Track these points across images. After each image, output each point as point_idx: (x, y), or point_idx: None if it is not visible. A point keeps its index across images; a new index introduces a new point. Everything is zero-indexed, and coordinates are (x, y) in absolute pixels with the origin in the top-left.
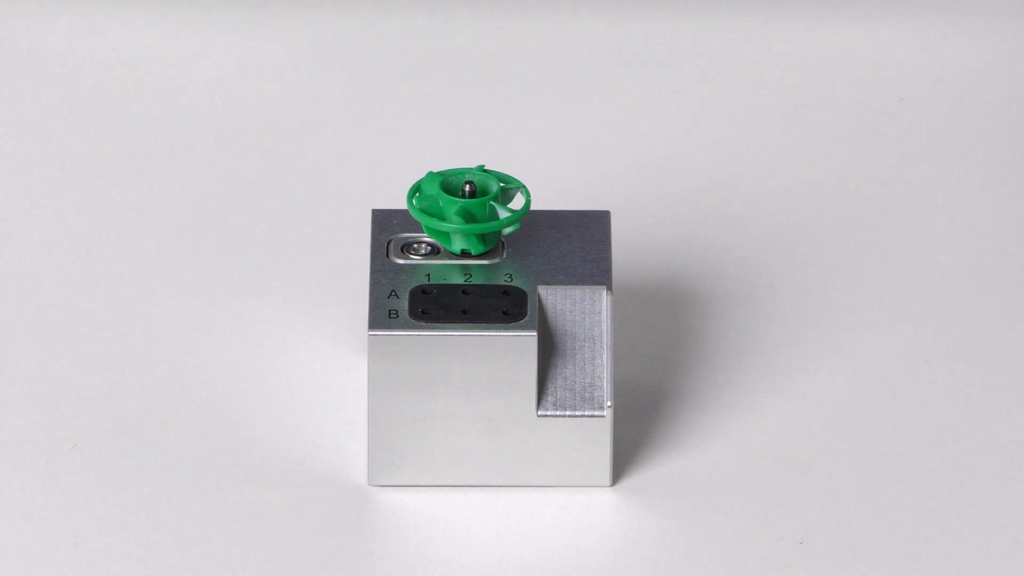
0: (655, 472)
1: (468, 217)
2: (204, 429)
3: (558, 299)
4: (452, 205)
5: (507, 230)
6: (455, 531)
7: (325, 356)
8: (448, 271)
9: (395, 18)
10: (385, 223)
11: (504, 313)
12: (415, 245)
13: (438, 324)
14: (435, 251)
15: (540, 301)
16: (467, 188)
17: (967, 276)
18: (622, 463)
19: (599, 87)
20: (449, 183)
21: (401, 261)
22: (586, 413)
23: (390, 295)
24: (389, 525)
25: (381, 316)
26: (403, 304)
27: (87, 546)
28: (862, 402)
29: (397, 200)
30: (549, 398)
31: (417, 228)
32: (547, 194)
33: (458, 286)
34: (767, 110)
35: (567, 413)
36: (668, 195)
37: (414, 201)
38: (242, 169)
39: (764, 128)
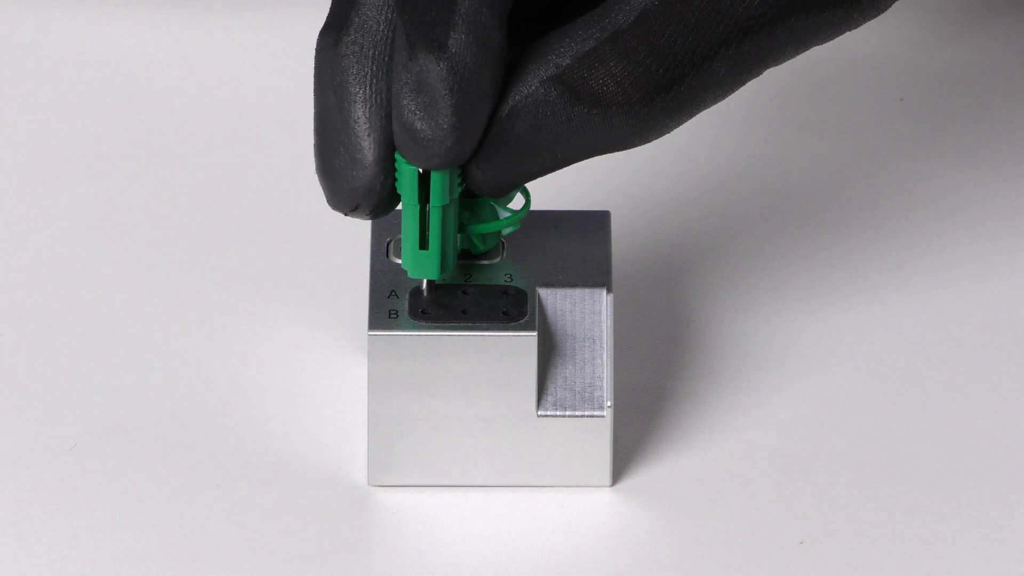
0: (655, 472)
1: (467, 217)
2: (204, 429)
3: (558, 299)
4: None
5: (507, 230)
6: (455, 531)
7: (325, 356)
8: None
9: None
10: (385, 223)
11: (504, 313)
12: None
13: (438, 324)
14: None
15: (540, 301)
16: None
17: (967, 276)
18: (622, 463)
19: None
20: None
21: (401, 261)
22: (586, 413)
23: (390, 295)
24: (389, 525)
25: (381, 316)
26: (403, 304)
27: (87, 546)
28: (862, 402)
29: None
30: (549, 398)
31: None
32: (547, 194)
33: (458, 286)
34: (767, 110)
35: (567, 413)
36: (668, 195)
37: None
38: (242, 169)
39: (764, 128)
